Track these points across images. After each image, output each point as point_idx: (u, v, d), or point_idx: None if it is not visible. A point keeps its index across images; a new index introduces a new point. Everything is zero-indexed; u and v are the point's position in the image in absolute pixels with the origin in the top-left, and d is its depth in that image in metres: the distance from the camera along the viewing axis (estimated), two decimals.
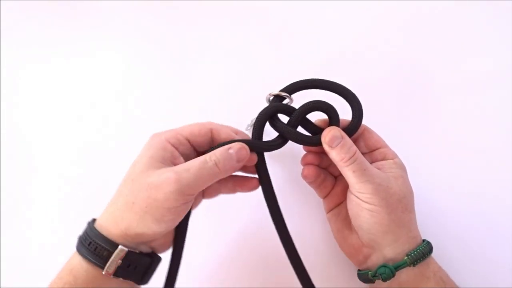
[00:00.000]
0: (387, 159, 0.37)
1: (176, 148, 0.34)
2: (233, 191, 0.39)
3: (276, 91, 0.37)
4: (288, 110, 0.37)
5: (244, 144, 0.34)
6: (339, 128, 0.35)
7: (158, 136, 0.34)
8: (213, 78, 0.50)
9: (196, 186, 0.32)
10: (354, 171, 0.34)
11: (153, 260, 0.34)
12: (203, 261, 0.43)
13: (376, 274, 0.34)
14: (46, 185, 0.46)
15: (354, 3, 0.52)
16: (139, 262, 0.32)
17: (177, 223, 0.34)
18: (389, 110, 0.49)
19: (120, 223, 0.32)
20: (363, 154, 0.38)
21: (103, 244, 0.31)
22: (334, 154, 0.34)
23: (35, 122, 0.48)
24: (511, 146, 0.46)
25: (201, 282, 0.42)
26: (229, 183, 0.38)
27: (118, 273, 0.31)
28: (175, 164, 0.33)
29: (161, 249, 0.36)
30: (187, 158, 0.34)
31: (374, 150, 0.38)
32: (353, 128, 0.37)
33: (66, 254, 0.39)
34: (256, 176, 0.38)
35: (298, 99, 0.37)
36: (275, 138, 0.37)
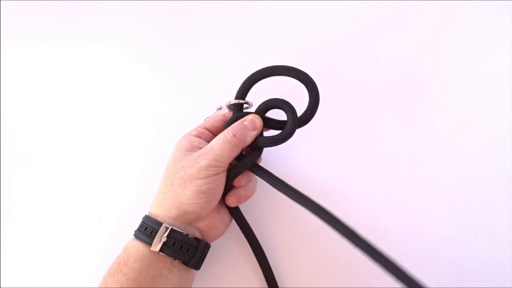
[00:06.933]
0: None
1: (199, 137, 0.38)
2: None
3: (232, 100, 0.38)
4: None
5: (256, 115, 0.37)
6: None
7: (183, 135, 0.39)
8: (211, 71, 0.50)
9: (222, 158, 0.35)
10: None
11: (200, 243, 0.35)
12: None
13: None
14: (44, 184, 0.46)
15: (351, 2, 0.51)
16: (185, 242, 0.34)
17: (216, 196, 0.36)
18: (387, 110, 0.47)
19: (164, 204, 0.35)
20: None
21: (151, 224, 0.34)
22: None
23: (34, 119, 0.49)
24: (511, 145, 0.45)
25: None
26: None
27: (164, 250, 0.33)
28: (201, 149, 0.36)
29: (210, 235, 0.37)
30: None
31: None
32: (310, 114, 0.37)
33: (66, 255, 0.43)
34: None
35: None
36: (250, 151, 0.38)
